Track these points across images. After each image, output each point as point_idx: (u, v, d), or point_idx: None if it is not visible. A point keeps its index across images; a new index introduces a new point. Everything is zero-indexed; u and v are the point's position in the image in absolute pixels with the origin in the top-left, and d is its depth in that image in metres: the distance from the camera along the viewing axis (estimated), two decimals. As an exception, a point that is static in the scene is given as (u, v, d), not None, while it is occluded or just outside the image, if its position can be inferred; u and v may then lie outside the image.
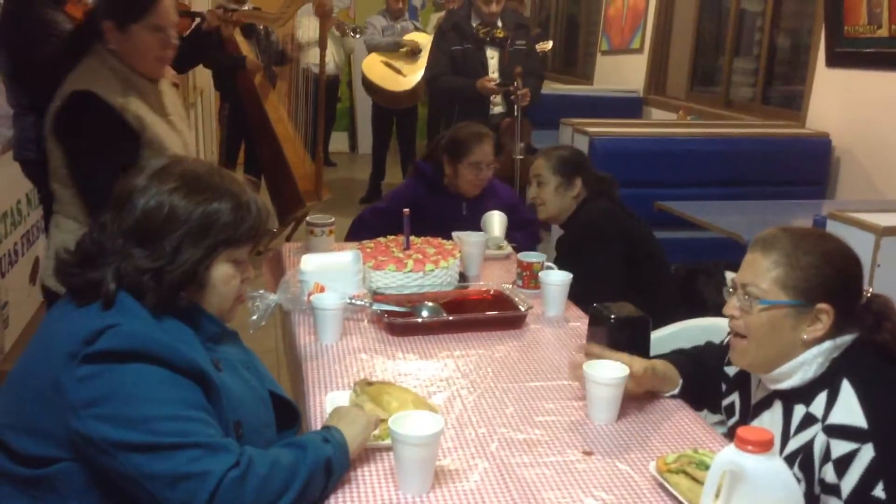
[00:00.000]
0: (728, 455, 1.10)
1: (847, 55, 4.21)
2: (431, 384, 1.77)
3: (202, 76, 6.42)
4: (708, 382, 1.70)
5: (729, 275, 2.66)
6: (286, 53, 5.69)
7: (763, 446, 1.05)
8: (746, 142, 4.33)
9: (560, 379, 1.82)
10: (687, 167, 4.12)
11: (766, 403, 1.54)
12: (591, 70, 7.41)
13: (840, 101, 4.29)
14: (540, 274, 2.26)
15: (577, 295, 2.22)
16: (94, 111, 2.09)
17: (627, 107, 6.23)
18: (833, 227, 2.49)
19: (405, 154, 6.92)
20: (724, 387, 1.68)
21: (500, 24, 4.54)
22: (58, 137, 2.15)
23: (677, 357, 1.74)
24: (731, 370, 1.68)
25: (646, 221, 2.72)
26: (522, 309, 2.14)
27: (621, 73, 6.74)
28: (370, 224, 3.04)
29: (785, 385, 1.47)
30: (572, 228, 2.69)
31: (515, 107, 4.38)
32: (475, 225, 2.91)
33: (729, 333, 1.72)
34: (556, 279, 2.20)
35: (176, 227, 1.31)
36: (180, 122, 2.36)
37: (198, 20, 3.52)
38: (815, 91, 4.48)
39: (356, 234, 2.97)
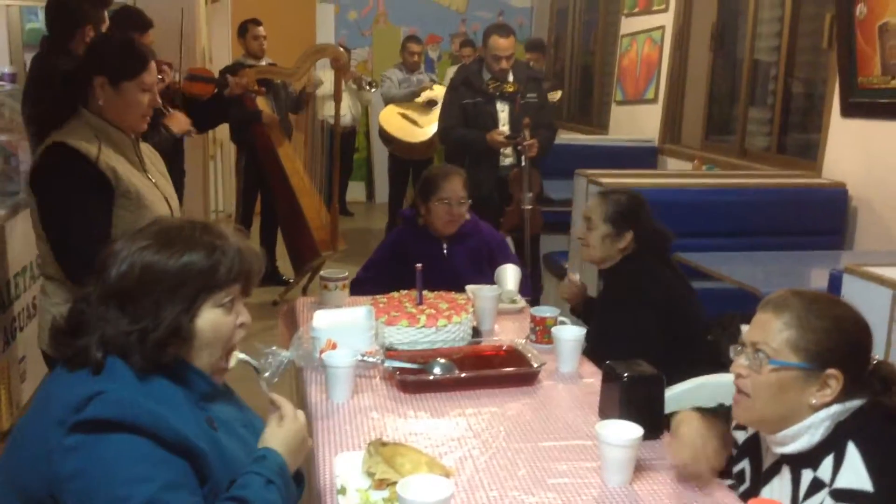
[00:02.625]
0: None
1: (862, 105, 4.21)
2: (443, 444, 1.75)
3: (221, 129, 6.52)
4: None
5: (745, 328, 2.63)
6: (303, 95, 5.79)
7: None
8: (762, 192, 4.31)
9: (573, 439, 1.79)
10: (702, 218, 4.09)
11: (775, 469, 1.51)
12: (606, 120, 7.45)
13: (856, 150, 4.28)
14: (553, 329, 2.24)
15: (608, 354, 2.20)
16: (67, 161, 2.12)
17: (643, 156, 6.23)
18: (849, 282, 2.46)
19: (422, 204, 6.95)
20: (734, 452, 1.65)
21: (511, 78, 4.58)
22: (33, 189, 2.18)
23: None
24: (740, 435, 1.65)
25: (686, 279, 2.64)
26: (535, 365, 2.12)
27: (636, 122, 6.77)
28: (367, 280, 3.06)
29: (791, 449, 1.45)
30: (614, 284, 2.58)
31: (522, 157, 4.42)
32: (456, 265, 2.97)
33: None
34: (570, 335, 2.18)
35: (152, 285, 1.31)
36: (160, 176, 2.38)
37: (220, 85, 3.62)
38: (830, 141, 4.47)
39: (357, 292, 2.98)
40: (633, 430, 1.58)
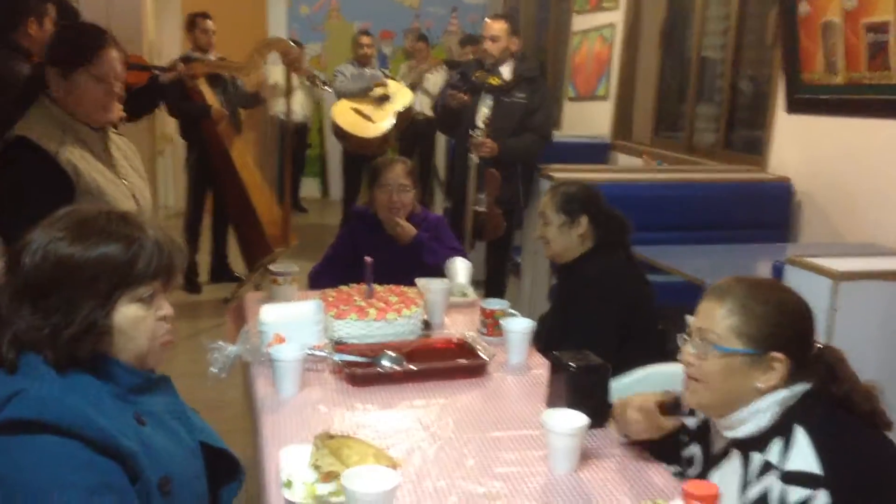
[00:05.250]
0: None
1: (806, 101, 4.30)
2: (391, 436, 1.75)
3: (169, 124, 6.42)
4: (669, 435, 1.69)
5: (690, 319, 2.67)
6: (258, 95, 5.72)
7: (709, 501, 1.04)
8: (709, 187, 4.38)
9: (521, 428, 1.80)
10: (651, 212, 4.14)
11: (724, 454, 1.54)
12: (559, 117, 7.51)
13: (800, 146, 4.37)
14: (502, 321, 2.25)
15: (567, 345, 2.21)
16: (26, 156, 2.07)
17: (595, 152, 6.29)
18: (791, 273, 2.51)
19: (375, 199, 6.93)
20: (683, 438, 1.68)
21: (502, 73, 4.36)
22: None
23: None
24: (690, 421, 1.67)
25: (645, 274, 2.64)
26: (485, 357, 2.13)
27: (588, 119, 6.84)
28: (323, 274, 3.05)
29: (739, 433, 1.48)
30: (574, 278, 2.55)
31: (470, 156, 4.21)
32: (406, 253, 2.97)
33: None
34: (518, 326, 2.20)
35: (64, 279, 1.26)
36: (131, 172, 2.33)
37: (155, 73, 3.55)
38: (775, 136, 4.56)
39: (314, 286, 2.97)
40: (579, 419, 1.60)
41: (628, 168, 5.40)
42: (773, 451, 1.42)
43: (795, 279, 2.47)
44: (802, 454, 1.37)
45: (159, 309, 1.38)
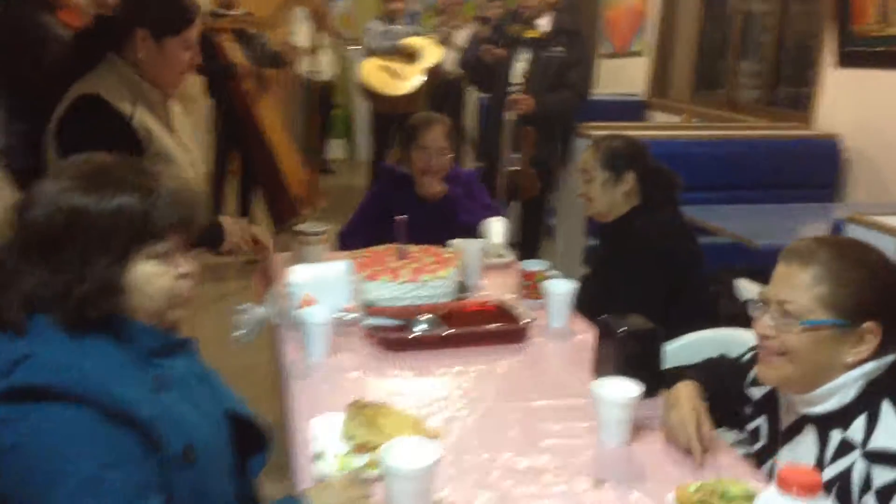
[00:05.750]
0: (770, 499, 0.96)
1: (857, 54, 4.09)
2: (428, 404, 1.64)
3: (194, 84, 6.30)
4: (730, 402, 1.57)
5: (744, 285, 2.52)
6: (281, 56, 5.58)
7: (810, 489, 0.91)
8: (753, 144, 4.21)
9: (566, 397, 1.69)
10: (693, 170, 3.93)
11: (796, 429, 1.40)
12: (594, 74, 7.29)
13: (850, 102, 4.17)
14: (543, 283, 2.13)
15: (611, 310, 2.09)
16: (101, 116, 1.99)
17: (630, 110, 6.10)
18: (852, 232, 2.36)
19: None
20: (747, 409, 1.55)
21: (540, 25, 4.10)
22: (59, 143, 2.03)
23: (697, 376, 1.60)
24: (756, 392, 1.54)
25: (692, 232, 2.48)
26: (525, 321, 2.01)
27: (623, 76, 6.62)
28: (355, 232, 2.93)
29: (820, 409, 1.34)
30: (618, 238, 2.38)
31: (505, 114, 4.01)
32: (444, 213, 2.84)
33: (751, 350, 1.59)
34: (561, 289, 2.07)
35: (78, 233, 1.16)
36: (189, 140, 2.27)
37: None
38: (823, 92, 4.35)
39: (346, 246, 2.85)
40: (632, 388, 1.48)
41: (670, 125, 5.20)
42: (856, 428, 1.28)
43: (858, 238, 2.31)
44: (889, 430, 1.23)
45: (178, 266, 1.27)
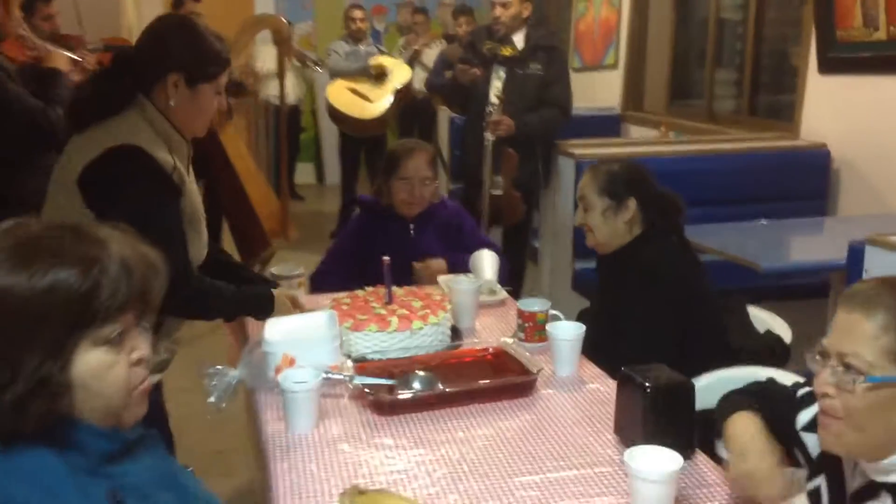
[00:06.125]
0: None
1: (841, 60, 3.97)
2: (434, 483, 1.43)
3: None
4: (782, 439, 1.36)
5: (756, 314, 2.35)
6: (243, 84, 5.35)
7: None
8: (739, 157, 4.06)
9: (589, 465, 1.48)
10: (680, 187, 3.82)
11: (867, 494, 1.20)
12: (565, 88, 7.15)
13: (836, 109, 4.04)
14: (548, 327, 1.93)
15: (616, 353, 1.90)
16: (142, 167, 1.81)
17: (605, 125, 5.95)
18: (874, 255, 2.19)
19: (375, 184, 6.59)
20: (798, 453, 1.35)
21: (515, 42, 3.94)
22: (91, 192, 1.81)
23: (753, 404, 1.40)
24: (809, 440, 1.33)
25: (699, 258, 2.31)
26: (532, 371, 1.81)
27: (594, 90, 6.47)
28: (329, 273, 2.72)
29: (894, 478, 1.15)
30: (622, 270, 2.19)
31: (485, 135, 3.81)
32: (425, 246, 2.66)
33: (801, 385, 1.40)
34: (569, 334, 1.87)
35: (3, 322, 0.94)
36: (193, 184, 2.09)
37: None
38: (807, 99, 4.23)
39: (318, 288, 2.63)
40: (672, 460, 1.28)
41: (653, 141, 5.03)
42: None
43: (879, 262, 2.15)
44: None
45: (133, 350, 1.05)
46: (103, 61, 3.72)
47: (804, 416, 1.35)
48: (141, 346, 1.06)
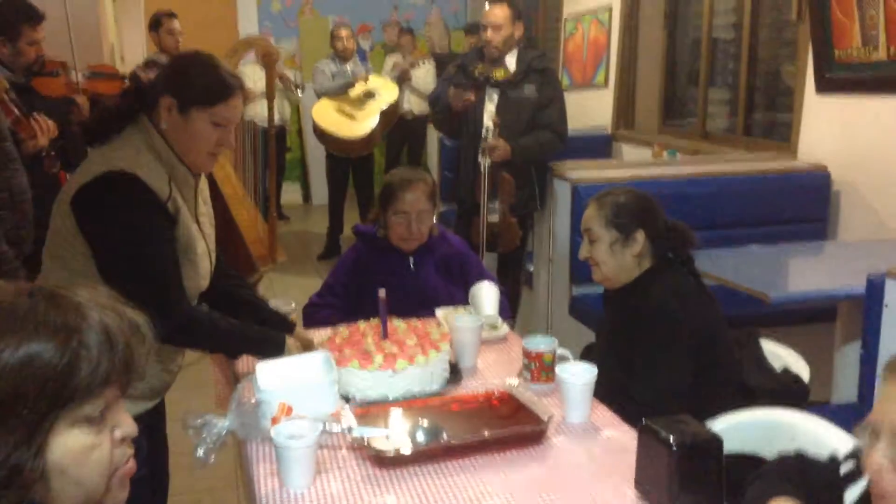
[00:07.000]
0: None
1: (839, 80, 3.90)
2: (443, 549, 1.31)
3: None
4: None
5: (771, 348, 2.25)
6: None
7: None
8: (737, 179, 3.97)
9: (611, 527, 1.37)
10: (684, 209, 3.73)
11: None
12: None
13: (834, 129, 3.98)
14: (558, 370, 1.81)
15: (632, 393, 1.79)
16: (135, 194, 1.76)
17: (596, 145, 5.88)
18: (894, 288, 2.10)
19: (363, 204, 6.48)
20: None
21: (507, 65, 3.85)
22: (81, 213, 1.77)
23: (789, 489, 1.29)
24: (850, 495, 1.24)
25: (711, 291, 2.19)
26: (543, 419, 1.70)
27: (585, 110, 6.41)
28: (323, 306, 2.60)
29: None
30: (632, 306, 2.09)
31: (480, 160, 3.72)
32: (424, 280, 2.57)
33: (850, 457, 1.30)
34: (582, 378, 1.76)
35: None
36: (207, 224, 2.01)
37: (127, 82, 3.14)
38: (805, 120, 4.16)
39: (310, 322, 2.52)
40: (707, 528, 1.17)
41: (649, 162, 4.94)
42: None
43: (899, 296, 2.06)
44: None
45: (116, 427, 0.93)
46: (90, 89, 3.61)
47: (852, 494, 1.24)
48: (124, 422, 0.94)
